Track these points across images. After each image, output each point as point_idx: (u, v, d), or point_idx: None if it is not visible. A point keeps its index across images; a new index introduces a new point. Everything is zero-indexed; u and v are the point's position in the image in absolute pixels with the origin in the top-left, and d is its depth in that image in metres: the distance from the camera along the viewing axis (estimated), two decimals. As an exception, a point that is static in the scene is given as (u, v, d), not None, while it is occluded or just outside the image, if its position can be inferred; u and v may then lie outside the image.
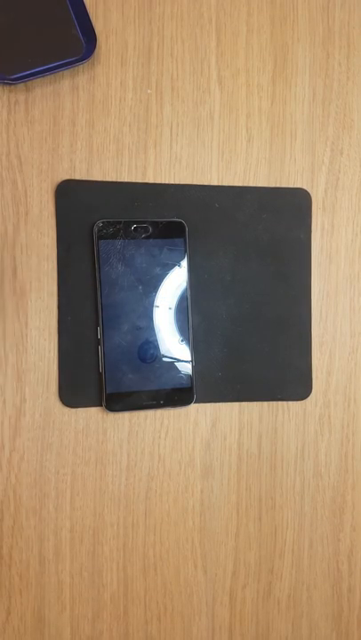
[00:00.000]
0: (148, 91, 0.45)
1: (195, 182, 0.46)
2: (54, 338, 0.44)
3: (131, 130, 0.45)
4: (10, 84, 0.42)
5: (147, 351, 0.44)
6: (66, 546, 0.44)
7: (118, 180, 0.45)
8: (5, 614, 0.44)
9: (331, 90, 0.48)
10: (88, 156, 0.44)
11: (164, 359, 0.44)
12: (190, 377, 0.45)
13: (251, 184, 0.47)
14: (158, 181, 0.45)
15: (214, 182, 0.46)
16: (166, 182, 0.45)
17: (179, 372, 0.45)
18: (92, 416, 0.45)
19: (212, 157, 0.46)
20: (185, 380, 0.45)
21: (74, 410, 0.44)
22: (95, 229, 0.43)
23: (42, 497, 0.44)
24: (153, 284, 0.44)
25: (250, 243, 0.46)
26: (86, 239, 0.44)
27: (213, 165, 0.46)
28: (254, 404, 0.47)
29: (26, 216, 0.43)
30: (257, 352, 0.47)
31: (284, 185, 0.47)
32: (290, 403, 0.48)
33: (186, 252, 0.45)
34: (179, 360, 0.45)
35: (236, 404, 0.47)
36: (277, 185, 0.47)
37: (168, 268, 0.44)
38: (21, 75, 0.42)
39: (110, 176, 0.44)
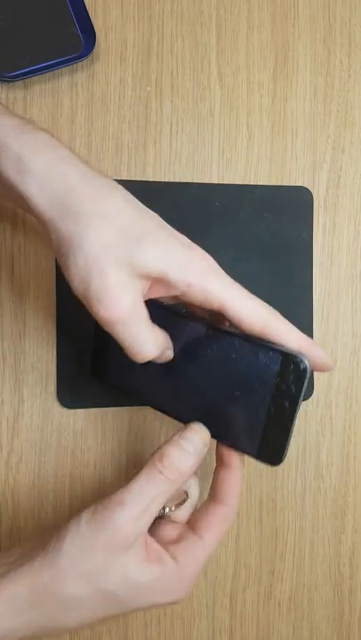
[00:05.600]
0: (148, 88, 0.45)
1: (195, 180, 0.45)
2: (53, 338, 0.43)
3: (130, 127, 0.44)
4: (8, 82, 0.42)
5: None
6: (64, 548, 0.44)
7: (117, 178, 0.44)
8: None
9: (332, 87, 0.48)
10: (87, 153, 0.44)
11: None
12: None
13: (252, 182, 0.46)
14: (158, 179, 0.45)
15: (215, 180, 0.46)
16: (166, 180, 0.45)
17: None
18: (91, 417, 0.44)
19: (213, 155, 0.46)
20: None
21: (72, 411, 0.44)
22: None
23: (40, 499, 0.43)
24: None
25: (251, 241, 0.46)
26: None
27: (214, 163, 0.46)
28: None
29: (24, 215, 0.43)
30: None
31: (285, 183, 0.47)
32: (291, 403, 0.47)
33: None
34: None
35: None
36: (278, 183, 0.47)
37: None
38: (20, 72, 0.42)
39: (109, 174, 0.44)
